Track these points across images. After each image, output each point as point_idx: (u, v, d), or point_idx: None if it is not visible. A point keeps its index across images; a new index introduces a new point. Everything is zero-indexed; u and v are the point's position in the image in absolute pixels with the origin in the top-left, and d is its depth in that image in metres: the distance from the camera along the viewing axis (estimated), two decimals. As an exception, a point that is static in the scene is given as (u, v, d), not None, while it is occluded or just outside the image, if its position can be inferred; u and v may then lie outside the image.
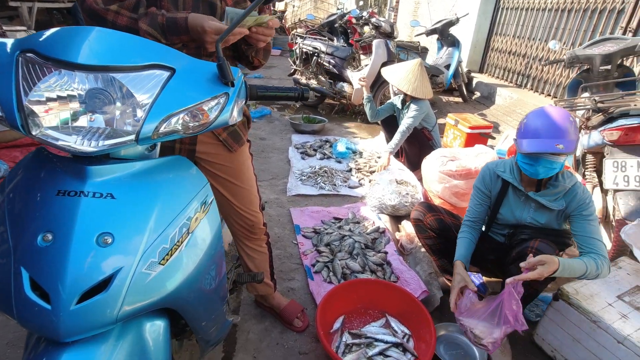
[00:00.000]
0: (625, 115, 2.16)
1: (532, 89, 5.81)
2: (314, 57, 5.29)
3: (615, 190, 2.17)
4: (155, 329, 0.82)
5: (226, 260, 1.94)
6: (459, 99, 6.27)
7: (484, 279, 2.17)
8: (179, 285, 0.79)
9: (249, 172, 1.51)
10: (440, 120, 4.81)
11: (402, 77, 3.21)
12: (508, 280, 1.50)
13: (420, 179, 3.05)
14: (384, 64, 4.45)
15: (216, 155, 1.39)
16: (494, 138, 4.27)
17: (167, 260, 0.76)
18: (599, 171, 2.46)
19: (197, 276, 0.87)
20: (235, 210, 1.51)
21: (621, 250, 2.19)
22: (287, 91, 1.02)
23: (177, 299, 0.82)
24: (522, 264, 1.51)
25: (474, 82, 6.54)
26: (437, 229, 2.03)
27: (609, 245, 2.31)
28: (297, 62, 5.65)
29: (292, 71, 5.79)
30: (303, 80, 5.43)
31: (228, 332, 1.41)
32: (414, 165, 3.33)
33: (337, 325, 1.90)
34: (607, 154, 2.24)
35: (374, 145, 4.23)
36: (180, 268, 0.79)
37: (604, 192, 2.44)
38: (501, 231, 1.96)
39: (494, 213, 1.91)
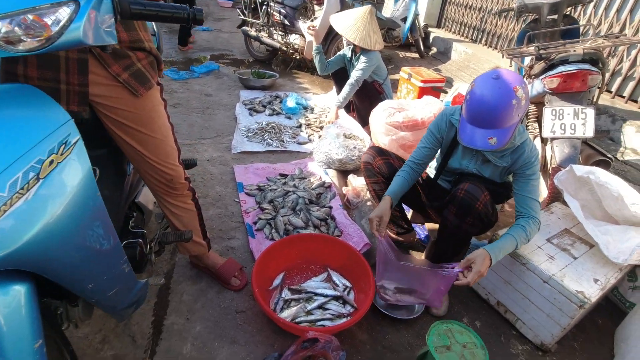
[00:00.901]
0: (564, 62, 2.15)
1: (486, 44, 5.80)
2: (264, 7, 4.92)
3: (552, 139, 2.20)
4: (9, 298, 0.68)
5: (150, 219, 1.80)
6: (416, 55, 6.17)
7: (427, 227, 2.18)
8: (31, 240, 0.65)
9: (161, 119, 1.34)
10: (396, 76, 4.71)
11: (351, 25, 3.03)
12: (457, 283, 1.49)
13: (370, 134, 2.98)
14: (336, 14, 4.20)
15: (117, 100, 1.20)
16: (446, 92, 4.24)
17: (5, 211, 0.61)
18: (540, 121, 2.48)
19: (67, 231, 0.74)
20: (149, 163, 1.35)
21: (556, 196, 2.26)
22: (173, 9, 0.85)
23: (37, 257, 0.69)
24: (458, 266, 1.51)
25: (431, 37, 6.44)
26: (386, 173, 1.97)
27: (545, 192, 2.37)
28: (246, 12, 5.25)
29: (240, 22, 5.39)
30: (253, 32, 5.07)
31: (145, 295, 1.31)
32: (365, 120, 3.24)
33: (276, 282, 1.84)
34: (547, 102, 2.24)
35: (327, 101, 4.08)
36: (29, 221, 0.65)
37: (544, 141, 2.48)
38: (448, 178, 1.94)
39: (444, 161, 1.87)
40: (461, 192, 1.62)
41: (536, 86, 2.31)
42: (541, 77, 2.24)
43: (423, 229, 2.32)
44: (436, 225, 2.10)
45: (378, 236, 1.68)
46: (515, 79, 1.46)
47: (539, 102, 2.46)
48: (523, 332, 1.74)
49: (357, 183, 2.55)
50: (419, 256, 2.19)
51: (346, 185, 2.66)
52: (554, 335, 1.62)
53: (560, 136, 2.15)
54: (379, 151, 2.03)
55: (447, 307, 1.84)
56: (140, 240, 1.40)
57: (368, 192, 2.20)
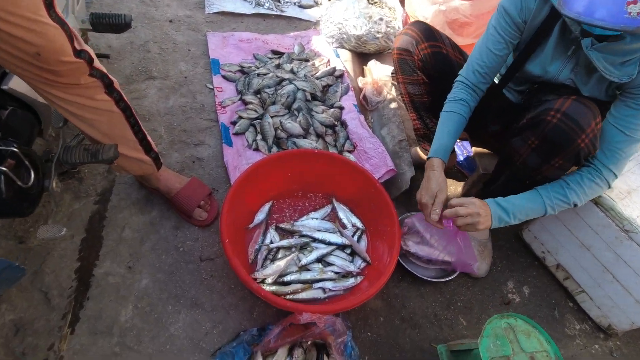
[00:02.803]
0: None
1: None
2: None
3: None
4: None
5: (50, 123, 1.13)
6: None
7: (473, 151, 1.56)
8: None
9: None
10: None
11: None
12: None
13: (402, 2, 2.10)
14: None
15: None
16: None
17: None
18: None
19: None
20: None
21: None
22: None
23: None
24: (446, 212, 1.07)
25: None
26: (433, 68, 1.28)
27: None
28: None
29: None
30: None
31: (13, 280, 0.75)
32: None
33: (260, 216, 1.30)
34: None
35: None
36: None
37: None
38: (518, 87, 1.25)
39: (520, 62, 1.15)
40: (555, 116, 0.97)
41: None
42: None
43: (464, 148, 1.71)
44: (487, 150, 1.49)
45: (438, 226, 1.11)
46: None
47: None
48: (584, 308, 1.31)
49: (380, 73, 1.81)
50: (455, 189, 1.63)
51: (363, 75, 1.92)
52: (635, 324, 1.19)
53: None
54: (424, 32, 1.27)
55: (489, 265, 1.36)
56: (10, 160, 0.78)
57: (398, 92, 1.51)
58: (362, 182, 1.33)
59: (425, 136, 1.50)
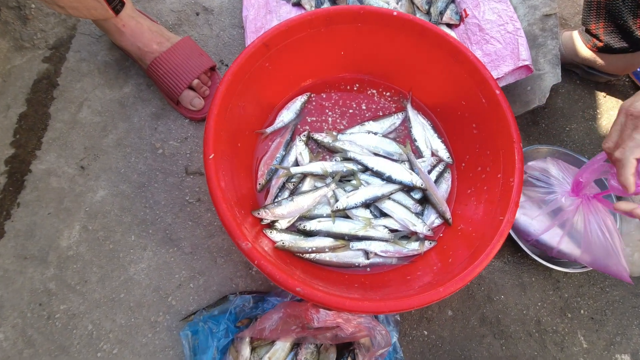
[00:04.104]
0: None
1: None
2: None
3: None
4: None
5: None
6: None
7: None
8: None
9: None
10: None
11: None
12: None
13: None
14: None
15: None
16: None
17: None
18: None
19: None
20: None
21: None
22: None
23: None
24: None
25: None
26: None
27: None
28: None
29: None
30: None
31: None
32: None
33: (286, 116, 0.80)
34: None
35: None
36: None
37: None
38: None
39: None
40: None
41: None
42: None
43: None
44: None
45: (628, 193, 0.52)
46: None
47: None
48: None
49: None
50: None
51: None
52: None
53: None
54: None
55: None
56: None
57: None
58: (466, 81, 0.74)
59: (600, 9, 0.81)
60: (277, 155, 0.77)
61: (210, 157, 0.61)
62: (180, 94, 0.79)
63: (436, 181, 0.78)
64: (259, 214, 0.70)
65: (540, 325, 0.75)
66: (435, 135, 0.82)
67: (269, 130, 0.79)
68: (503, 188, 0.66)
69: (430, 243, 0.73)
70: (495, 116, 0.70)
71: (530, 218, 0.73)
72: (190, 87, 0.80)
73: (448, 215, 0.75)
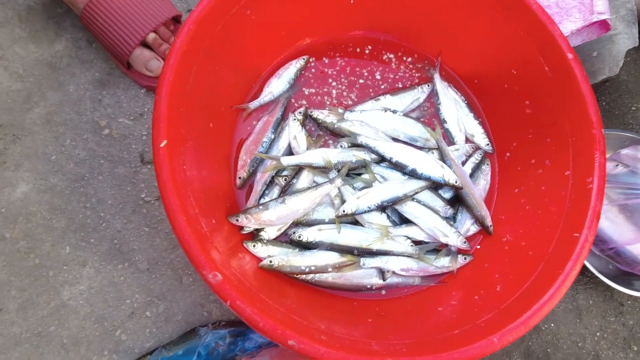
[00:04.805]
0: None
1: None
2: None
3: None
4: None
5: None
6: None
7: None
8: None
9: None
10: None
11: None
12: None
13: None
14: None
15: None
16: None
17: None
18: None
19: None
20: None
21: None
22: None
23: None
24: None
25: None
26: None
27: None
28: None
29: None
30: None
31: None
32: None
33: (275, 86, 0.60)
34: None
35: None
36: None
37: None
38: None
39: None
40: None
41: None
42: None
43: None
44: None
45: None
46: None
47: None
48: None
49: None
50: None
51: None
52: None
53: None
54: None
55: None
56: None
57: None
58: (521, 41, 0.55)
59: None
60: (264, 140, 0.58)
61: (162, 144, 0.41)
62: (131, 54, 0.58)
63: (471, 175, 0.60)
64: (237, 220, 0.51)
65: (598, 358, 0.59)
66: (471, 115, 0.63)
67: (252, 105, 0.59)
68: (575, 191, 0.48)
69: (465, 258, 0.56)
70: (563, 90, 0.51)
71: (611, 221, 0.55)
72: (145, 45, 0.59)
73: (489, 221, 0.57)
